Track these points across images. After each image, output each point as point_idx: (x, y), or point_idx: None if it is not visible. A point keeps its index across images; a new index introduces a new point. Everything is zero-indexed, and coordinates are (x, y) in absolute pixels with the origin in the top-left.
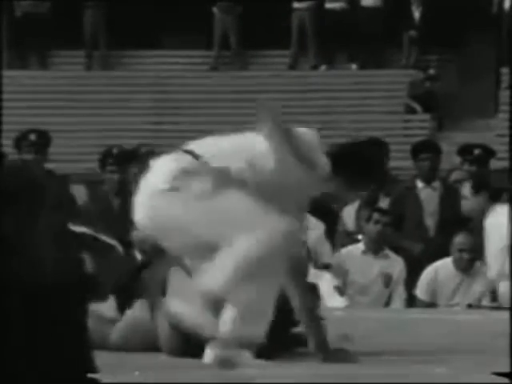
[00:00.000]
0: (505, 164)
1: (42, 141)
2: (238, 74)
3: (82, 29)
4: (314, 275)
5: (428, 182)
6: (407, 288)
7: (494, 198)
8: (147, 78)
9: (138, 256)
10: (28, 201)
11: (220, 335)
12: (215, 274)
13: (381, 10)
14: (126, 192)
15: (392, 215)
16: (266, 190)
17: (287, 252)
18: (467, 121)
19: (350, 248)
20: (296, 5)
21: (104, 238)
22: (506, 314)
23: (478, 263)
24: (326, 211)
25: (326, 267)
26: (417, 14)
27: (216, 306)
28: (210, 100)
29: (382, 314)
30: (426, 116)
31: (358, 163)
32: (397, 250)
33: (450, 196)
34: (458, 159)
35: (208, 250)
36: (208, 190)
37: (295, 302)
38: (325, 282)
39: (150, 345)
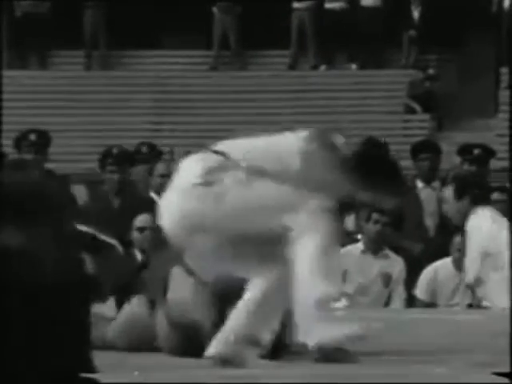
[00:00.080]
0: (505, 164)
1: (42, 141)
2: (237, 74)
3: (82, 29)
4: None
5: (428, 182)
6: (407, 288)
7: (476, 201)
8: (147, 78)
9: (138, 255)
10: (33, 211)
11: (226, 331)
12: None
13: (380, 10)
14: (126, 192)
15: (391, 215)
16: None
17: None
18: (467, 121)
19: (350, 248)
20: (295, 5)
21: (104, 237)
22: (505, 314)
23: None
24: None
25: None
26: (416, 14)
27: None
28: (209, 100)
29: (382, 313)
30: (426, 116)
31: (384, 166)
32: (397, 250)
33: None
34: (457, 159)
35: (248, 238)
36: (241, 182)
37: None
38: None
39: (147, 341)
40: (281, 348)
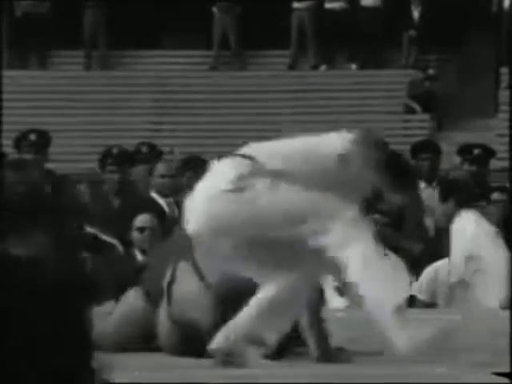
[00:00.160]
0: (505, 164)
1: (42, 141)
2: (237, 74)
3: (82, 29)
4: None
5: (428, 181)
6: None
7: (461, 204)
8: (147, 78)
9: (138, 255)
10: (46, 223)
11: (230, 327)
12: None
13: (380, 10)
14: (126, 192)
15: (391, 215)
16: (324, 189)
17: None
18: (467, 121)
19: None
20: (295, 5)
21: (105, 237)
22: (505, 314)
23: None
24: None
25: None
26: (416, 14)
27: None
28: (209, 100)
29: None
30: (426, 116)
31: (409, 168)
32: (396, 250)
33: None
34: (457, 159)
35: (272, 244)
36: (273, 188)
37: None
38: (325, 283)
39: (145, 333)
40: (286, 349)
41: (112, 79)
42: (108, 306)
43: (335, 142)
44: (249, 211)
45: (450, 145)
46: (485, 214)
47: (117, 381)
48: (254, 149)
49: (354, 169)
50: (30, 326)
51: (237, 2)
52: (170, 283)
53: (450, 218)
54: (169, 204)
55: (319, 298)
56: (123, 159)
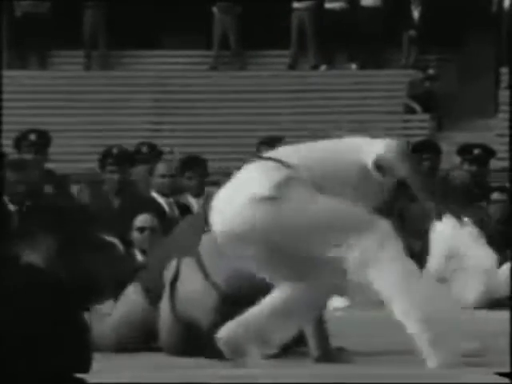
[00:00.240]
0: (505, 164)
1: (42, 141)
2: (237, 74)
3: (82, 29)
4: None
5: None
6: None
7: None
8: (147, 78)
9: (138, 255)
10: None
11: (239, 321)
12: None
13: (380, 10)
14: (126, 192)
15: (392, 214)
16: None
17: None
18: (467, 121)
19: None
20: (295, 5)
21: (105, 236)
22: (506, 314)
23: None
24: None
25: None
26: (416, 14)
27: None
28: (209, 100)
29: (382, 313)
30: (426, 116)
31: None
32: None
33: None
34: (457, 159)
35: (298, 253)
36: (309, 199)
37: None
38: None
39: (145, 329)
40: (289, 349)
41: (112, 79)
42: (107, 306)
43: (369, 149)
44: (283, 220)
45: (450, 145)
46: (485, 213)
47: (117, 381)
48: (283, 153)
49: (387, 177)
50: (32, 327)
51: (237, 1)
52: (174, 280)
53: (429, 220)
54: (169, 204)
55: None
56: (123, 159)
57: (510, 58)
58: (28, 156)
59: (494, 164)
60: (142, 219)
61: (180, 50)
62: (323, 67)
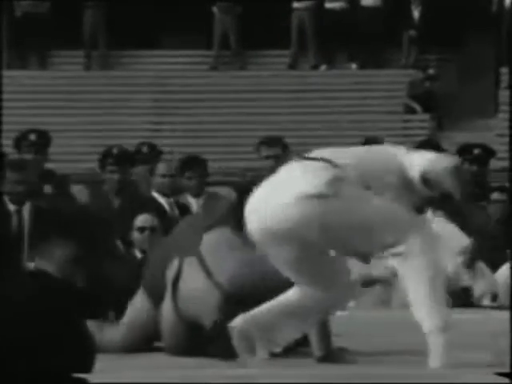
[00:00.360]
0: (505, 164)
1: (42, 141)
2: (237, 74)
3: (82, 29)
4: None
5: None
6: None
7: (418, 210)
8: (147, 78)
9: (138, 255)
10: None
11: (255, 314)
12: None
13: (380, 10)
14: (126, 192)
15: None
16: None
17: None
18: (467, 121)
19: None
20: (295, 5)
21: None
22: (505, 314)
23: (478, 263)
24: None
25: None
26: (416, 14)
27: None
28: (209, 100)
29: (383, 313)
30: (426, 116)
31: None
32: None
33: None
34: None
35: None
36: (358, 197)
37: None
38: None
39: (152, 335)
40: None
41: (112, 79)
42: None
43: (412, 161)
44: (333, 218)
45: (450, 145)
46: (485, 213)
47: (118, 381)
48: (327, 154)
49: (434, 191)
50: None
51: (237, 1)
52: (176, 280)
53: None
54: (170, 204)
55: None
56: (123, 159)
57: (510, 58)
58: (28, 156)
59: (494, 164)
60: (142, 219)
61: (180, 50)
62: (323, 67)
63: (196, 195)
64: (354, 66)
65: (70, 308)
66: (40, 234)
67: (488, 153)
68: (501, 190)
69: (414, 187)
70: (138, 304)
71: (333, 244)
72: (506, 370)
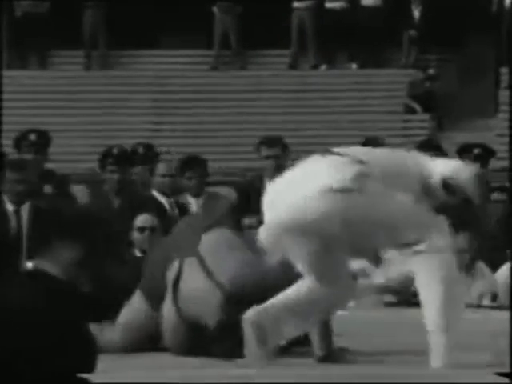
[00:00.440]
0: (505, 164)
1: (42, 141)
2: (237, 74)
3: (82, 29)
4: None
5: None
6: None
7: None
8: (147, 78)
9: (138, 255)
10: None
11: (271, 307)
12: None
13: (381, 10)
14: (126, 192)
15: None
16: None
17: None
18: (467, 121)
19: None
20: (296, 4)
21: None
22: (505, 314)
23: (478, 263)
24: None
25: None
26: (417, 14)
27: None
28: (209, 100)
29: (383, 313)
30: (426, 116)
31: None
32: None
33: None
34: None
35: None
36: (383, 193)
37: None
38: None
39: (149, 336)
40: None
41: (112, 79)
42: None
43: (440, 165)
44: (357, 212)
45: (450, 145)
46: (485, 213)
47: (118, 381)
48: (351, 151)
49: (456, 197)
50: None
51: (237, 1)
52: (177, 280)
53: None
54: (170, 204)
55: None
56: (123, 159)
57: (510, 58)
58: (28, 156)
59: (494, 164)
60: (142, 219)
61: (180, 50)
62: (323, 67)
63: (196, 195)
64: (354, 65)
65: (70, 308)
66: (43, 236)
67: (488, 153)
68: (501, 189)
69: (433, 192)
70: (136, 304)
71: (354, 239)
72: (506, 369)
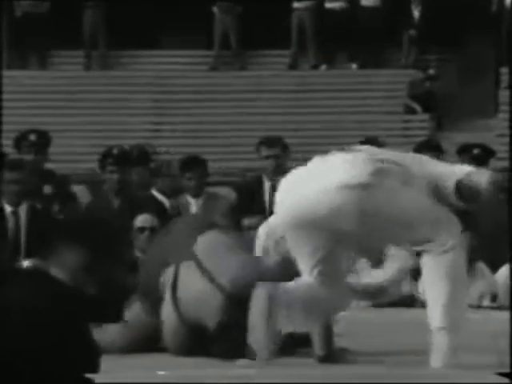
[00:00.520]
0: (505, 164)
1: (42, 141)
2: (237, 74)
3: (82, 29)
4: None
5: None
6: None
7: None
8: (147, 78)
9: (139, 255)
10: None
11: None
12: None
13: (380, 10)
14: (126, 192)
15: None
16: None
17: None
18: (467, 121)
19: None
20: (296, 4)
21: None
22: (505, 315)
23: (478, 264)
24: None
25: None
26: (416, 14)
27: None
28: (209, 100)
29: (382, 313)
30: (426, 116)
31: None
32: None
33: None
34: (457, 159)
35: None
36: (400, 190)
37: None
38: None
39: (148, 340)
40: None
41: (112, 79)
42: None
43: (456, 170)
44: (374, 207)
45: (450, 145)
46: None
47: (123, 381)
48: (368, 149)
49: (469, 205)
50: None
51: (237, 1)
52: (174, 285)
53: None
54: (170, 204)
55: None
56: (123, 159)
57: (510, 58)
58: (28, 156)
59: (494, 164)
60: (142, 219)
61: (180, 50)
62: (323, 67)
63: (196, 195)
64: (354, 65)
65: (70, 308)
66: (48, 240)
67: (488, 153)
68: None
69: (445, 198)
70: (136, 305)
71: (365, 236)
72: (506, 370)
